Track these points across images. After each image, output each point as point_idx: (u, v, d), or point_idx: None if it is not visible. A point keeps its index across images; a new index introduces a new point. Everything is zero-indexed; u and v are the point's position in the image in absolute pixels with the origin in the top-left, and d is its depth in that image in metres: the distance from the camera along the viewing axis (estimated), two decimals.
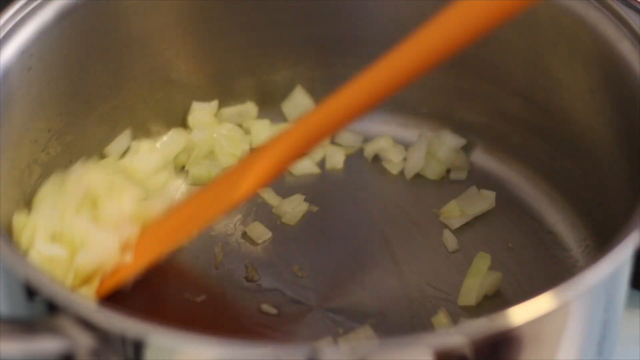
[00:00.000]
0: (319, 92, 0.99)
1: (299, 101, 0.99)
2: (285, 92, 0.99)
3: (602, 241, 0.88)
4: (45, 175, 0.89)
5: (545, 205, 0.94)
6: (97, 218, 0.81)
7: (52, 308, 0.68)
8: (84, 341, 0.67)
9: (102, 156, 0.94)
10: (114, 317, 0.67)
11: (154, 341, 0.66)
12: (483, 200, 0.94)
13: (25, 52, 0.85)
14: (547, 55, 0.90)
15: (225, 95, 0.98)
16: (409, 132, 0.99)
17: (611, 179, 0.87)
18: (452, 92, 0.97)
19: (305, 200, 0.94)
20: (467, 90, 0.96)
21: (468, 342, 0.66)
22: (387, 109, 0.98)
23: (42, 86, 0.87)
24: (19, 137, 0.86)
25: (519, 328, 0.67)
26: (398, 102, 0.97)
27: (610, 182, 0.87)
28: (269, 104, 1.00)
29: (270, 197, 0.94)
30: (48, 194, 0.84)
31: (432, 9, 0.92)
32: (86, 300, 0.71)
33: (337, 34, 0.97)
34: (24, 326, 0.67)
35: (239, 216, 0.93)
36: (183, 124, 0.97)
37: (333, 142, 0.98)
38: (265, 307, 0.86)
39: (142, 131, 0.96)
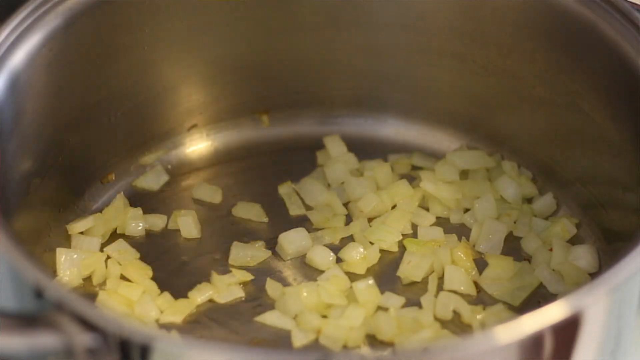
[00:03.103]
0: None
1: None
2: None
3: (610, 242, 0.88)
4: (65, 168, 0.89)
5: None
6: None
7: (55, 306, 0.68)
8: (81, 339, 0.67)
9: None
10: (112, 317, 0.67)
11: (160, 346, 0.66)
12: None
13: (45, 47, 0.85)
14: (558, 58, 0.89)
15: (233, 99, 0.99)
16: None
17: (620, 181, 0.87)
18: (464, 94, 0.96)
19: None
20: (489, 96, 0.96)
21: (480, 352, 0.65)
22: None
23: (61, 81, 0.87)
24: (38, 131, 0.86)
25: (532, 336, 0.66)
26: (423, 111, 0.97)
27: (620, 184, 0.87)
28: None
29: None
30: None
31: (434, 9, 0.93)
32: (86, 300, 0.71)
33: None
34: (25, 321, 0.68)
35: None
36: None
37: None
38: None
39: (166, 128, 0.96)
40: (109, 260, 0.88)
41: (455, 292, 0.85)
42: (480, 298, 0.86)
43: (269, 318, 0.83)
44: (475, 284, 0.86)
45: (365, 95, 0.98)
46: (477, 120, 0.94)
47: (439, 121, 0.96)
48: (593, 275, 0.87)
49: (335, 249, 0.88)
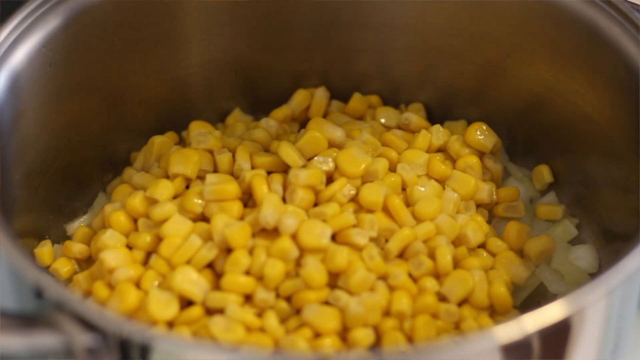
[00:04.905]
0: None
1: None
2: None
3: (610, 242, 0.88)
4: (65, 168, 0.89)
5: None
6: None
7: (55, 306, 0.68)
8: (81, 339, 0.67)
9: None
10: (112, 317, 0.67)
11: (160, 346, 0.66)
12: None
13: (45, 47, 0.85)
14: (569, 67, 0.89)
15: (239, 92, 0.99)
16: None
17: (620, 181, 0.87)
18: (463, 94, 0.96)
19: None
20: (487, 95, 0.96)
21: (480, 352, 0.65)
22: None
23: (61, 82, 0.87)
24: (38, 131, 0.86)
25: (532, 335, 0.66)
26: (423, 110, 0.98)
27: (620, 184, 0.87)
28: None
29: None
30: None
31: (434, 9, 0.93)
32: (87, 300, 0.71)
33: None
34: (25, 321, 0.68)
35: None
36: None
37: None
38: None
39: (166, 127, 0.96)
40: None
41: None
42: None
43: None
44: None
45: (364, 95, 0.98)
46: (476, 120, 0.94)
47: (438, 121, 0.96)
48: (593, 275, 0.87)
49: None
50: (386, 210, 0.85)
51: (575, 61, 0.88)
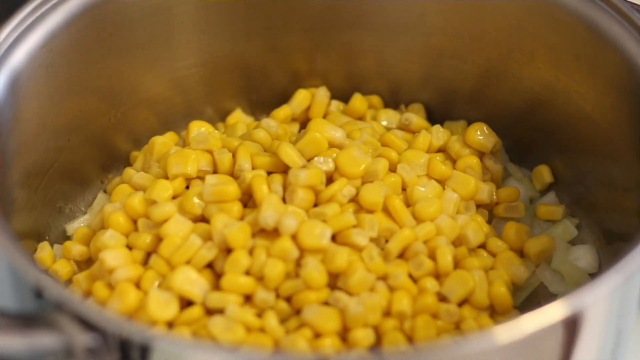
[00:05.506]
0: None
1: None
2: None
3: (610, 243, 0.88)
4: (65, 168, 0.90)
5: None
6: None
7: (55, 306, 0.68)
8: (81, 339, 0.67)
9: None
10: (112, 317, 0.67)
11: (160, 346, 0.66)
12: None
13: (45, 47, 0.85)
14: (569, 67, 0.89)
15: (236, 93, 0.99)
16: None
17: (620, 181, 0.87)
18: (463, 94, 0.96)
19: None
20: (487, 95, 0.96)
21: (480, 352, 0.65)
22: None
23: (61, 82, 0.87)
24: (38, 131, 0.86)
25: (532, 336, 0.66)
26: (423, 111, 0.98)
27: (619, 184, 0.87)
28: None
29: None
30: None
31: (434, 9, 0.93)
32: (87, 300, 0.71)
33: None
34: (25, 321, 0.68)
35: None
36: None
37: None
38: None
39: (166, 127, 0.96)
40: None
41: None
42: None
43: None
44: None
45: (365, 95, 0.98)
46: (476, 120, 0.94)
47: (438, 121, 0.96)
48: (593, 275, 0.87)
49: None
50: (386, 210, 0.85)
51: (575, 61, 0.88)
